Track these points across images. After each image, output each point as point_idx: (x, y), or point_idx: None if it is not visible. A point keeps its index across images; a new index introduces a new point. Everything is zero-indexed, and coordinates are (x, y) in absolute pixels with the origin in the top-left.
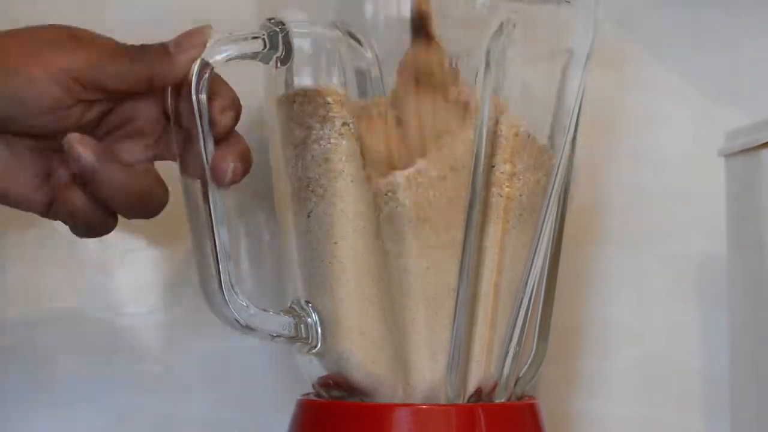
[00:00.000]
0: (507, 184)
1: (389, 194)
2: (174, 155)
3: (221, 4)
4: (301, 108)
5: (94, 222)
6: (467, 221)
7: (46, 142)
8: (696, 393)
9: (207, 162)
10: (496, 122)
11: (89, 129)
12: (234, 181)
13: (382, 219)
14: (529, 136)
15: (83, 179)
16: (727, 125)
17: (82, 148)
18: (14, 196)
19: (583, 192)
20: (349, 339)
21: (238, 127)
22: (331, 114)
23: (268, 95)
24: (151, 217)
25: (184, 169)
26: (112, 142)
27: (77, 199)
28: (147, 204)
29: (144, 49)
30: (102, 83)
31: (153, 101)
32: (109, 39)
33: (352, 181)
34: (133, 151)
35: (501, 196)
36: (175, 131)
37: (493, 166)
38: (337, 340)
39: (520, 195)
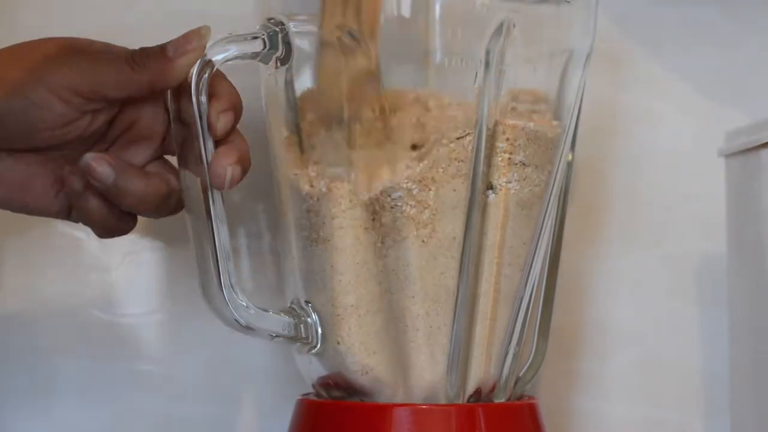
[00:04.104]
0: (507, 182)
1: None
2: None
3: (222, 3)
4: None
5: (112, 224)
6: (467, 221)
7: (59, 152)
8: (696, 393)
9: (206, 163)
10: (496, 122)
11: (97, 137)
12: (231, 186)
13: (383, 220)
14: (531, 133)
15: (105, 194)
16: (727, 125)
17: (98, 165)
18: (35, 207)
19: (583, 192)
20: (348, 339)
21: (240, 126)
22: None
23: (268, 95)
24: (174, 213)
25: (183, 166)
26: (120, 147)
27: (93, 206)
28: (168, 205)
29: (143, 53)
30: (103, 93)
31: (155, 103)
32: (106, 45)
33: (351, 228)
34: (141, 154)
35: (501, 194)
36: (175, 129)
37: (493, 166)
38: (336, 340)
39: (521, 193)
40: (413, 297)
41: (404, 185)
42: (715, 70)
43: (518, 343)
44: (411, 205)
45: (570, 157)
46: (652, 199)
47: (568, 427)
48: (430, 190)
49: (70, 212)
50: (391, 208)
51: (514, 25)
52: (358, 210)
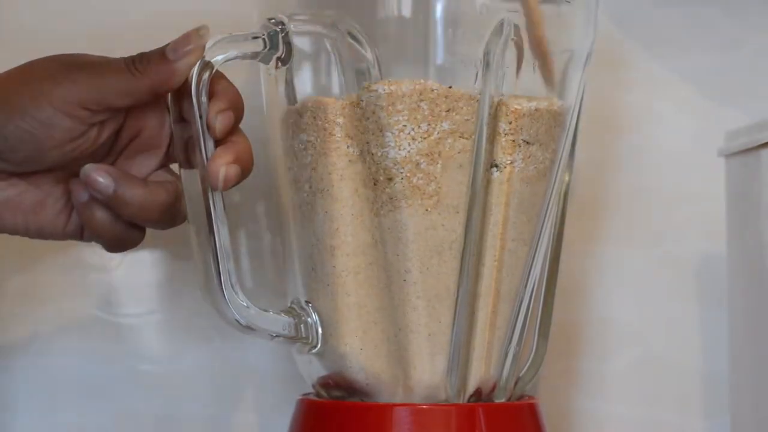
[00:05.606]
0: (511, 161)
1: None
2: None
3: (221, 3)
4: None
5: (120, 236)
6: (467, 221)
7: (70, 170)
8: (696, 393)
9: (206, 164)
10: (496, 114)
11: (105, 151)
12: (227, 187)
13: (387, 190)
14: (534, 112)
15: (107, 204)
16: (727, 125)
17: (98, 176)
18: (50, 230)
19: (583, 192)
20: (349, 339)
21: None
22: (328, 118)
23: (268, 95)
24: (176, 225)
25: (185, 167)
26: (126, 158)
27: (99, 216)
28: (170, 216)
29: (143, 58)
30: (107, 103)
31: (159, 109)
32: (103, 57)
33: (351, 179)
34: (147, 163)
35: (506, 172)
36: (176, 131)
37: (497, 146)
38: (337, 340)
39: (526, 170)
40: (413, 297)
41: (414, 158)
42: (715, 70)
43: (518, 343)
44: (419, 177)
45: (570, 157)
46: (652, 199)
47: (568, 427)
48: (437, 164)
49: (83, 232)
50: (401, 179)
51: (513, 25)
52: (358, 165)
